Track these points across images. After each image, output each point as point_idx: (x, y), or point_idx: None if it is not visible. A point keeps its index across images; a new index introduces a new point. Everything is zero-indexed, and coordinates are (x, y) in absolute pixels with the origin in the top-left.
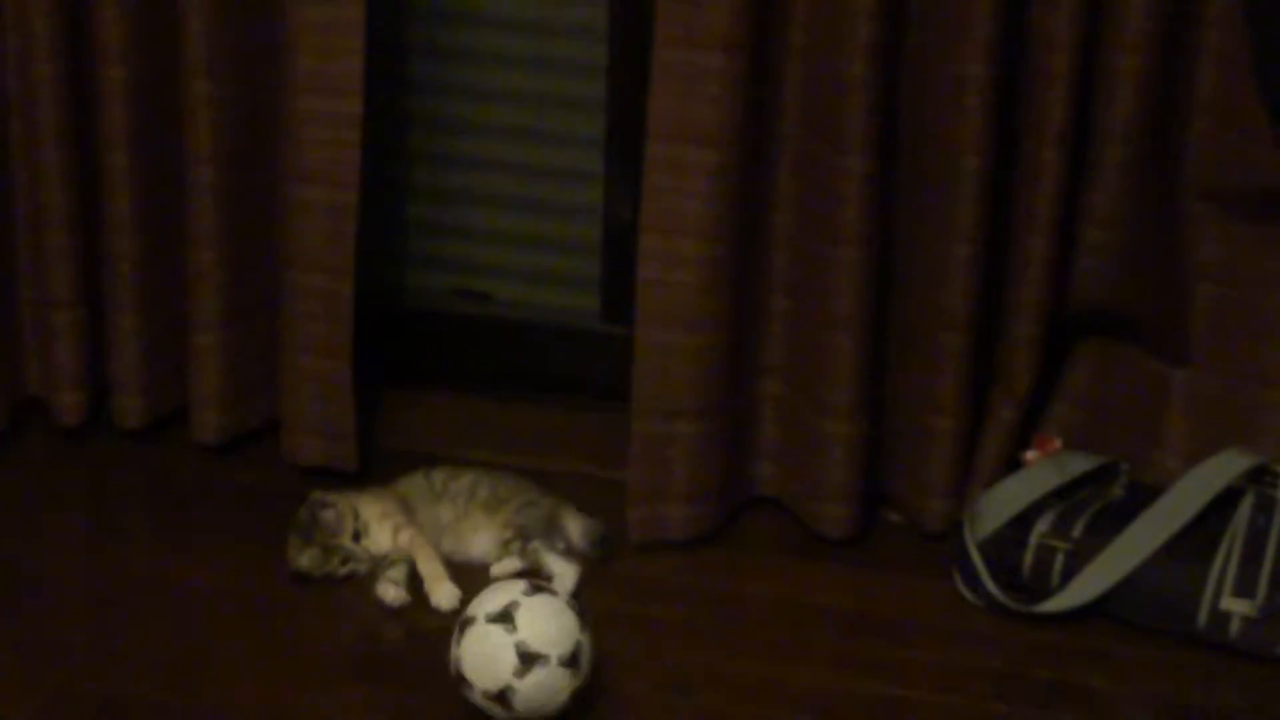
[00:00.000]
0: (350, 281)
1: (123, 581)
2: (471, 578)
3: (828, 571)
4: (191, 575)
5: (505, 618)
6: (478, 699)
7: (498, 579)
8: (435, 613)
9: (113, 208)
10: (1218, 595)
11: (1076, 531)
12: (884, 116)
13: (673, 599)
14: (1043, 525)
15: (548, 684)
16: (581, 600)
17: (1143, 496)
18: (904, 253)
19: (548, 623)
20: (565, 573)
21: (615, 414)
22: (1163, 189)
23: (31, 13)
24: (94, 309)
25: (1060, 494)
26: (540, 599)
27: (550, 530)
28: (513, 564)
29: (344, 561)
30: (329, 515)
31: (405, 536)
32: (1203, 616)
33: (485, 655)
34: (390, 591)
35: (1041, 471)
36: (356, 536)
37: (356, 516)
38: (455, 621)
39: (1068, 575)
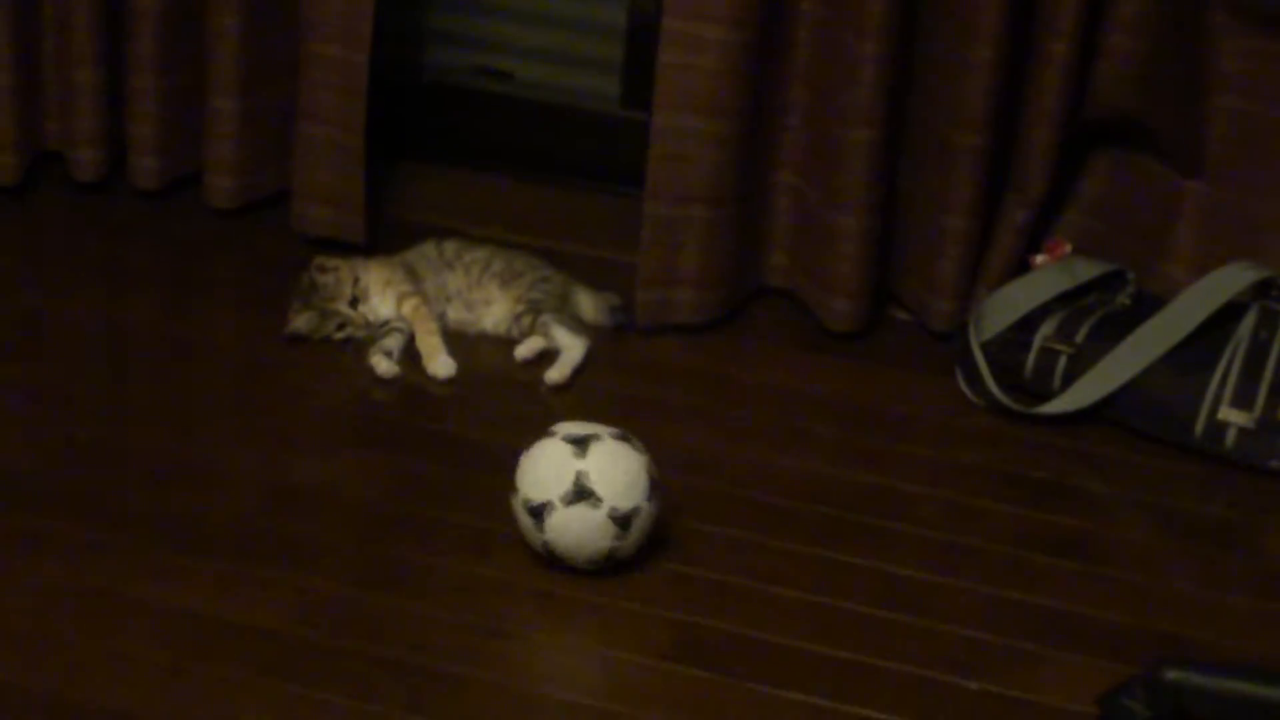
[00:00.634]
0: (367, 52)
1: (130, 336)
2: (468, 351)
3: (832, 364)
4: (196, 334)
5: (580, 443)
6: (517, 506)
7: (522, 359)
8: (432, 381)
9: None
10: (1216, 405)
11: (1080, 336)
12: None
13: (678, 382)
14: (1047, 328)
15: (590, 525)
16: (637, 444)
17: (1148, 305)
18: (925, 51)
19: (616, 469)
20: (573, 346)
21: (630, 199)
22: None
23: None
24: (114, 69)
25: (1066, 299)
26: (622, 448)
27: (562, 306)
28: (537, 343)
29: (340, 327)
30: (327, 279)
31: (409, 306)
32: (1200, 426)
33: (545, 467)
34: (382, 364)
35: (1049, 275)
36: (354, 302)
37: (356, 282)
38: (452, 386)
39: (1069, 379)
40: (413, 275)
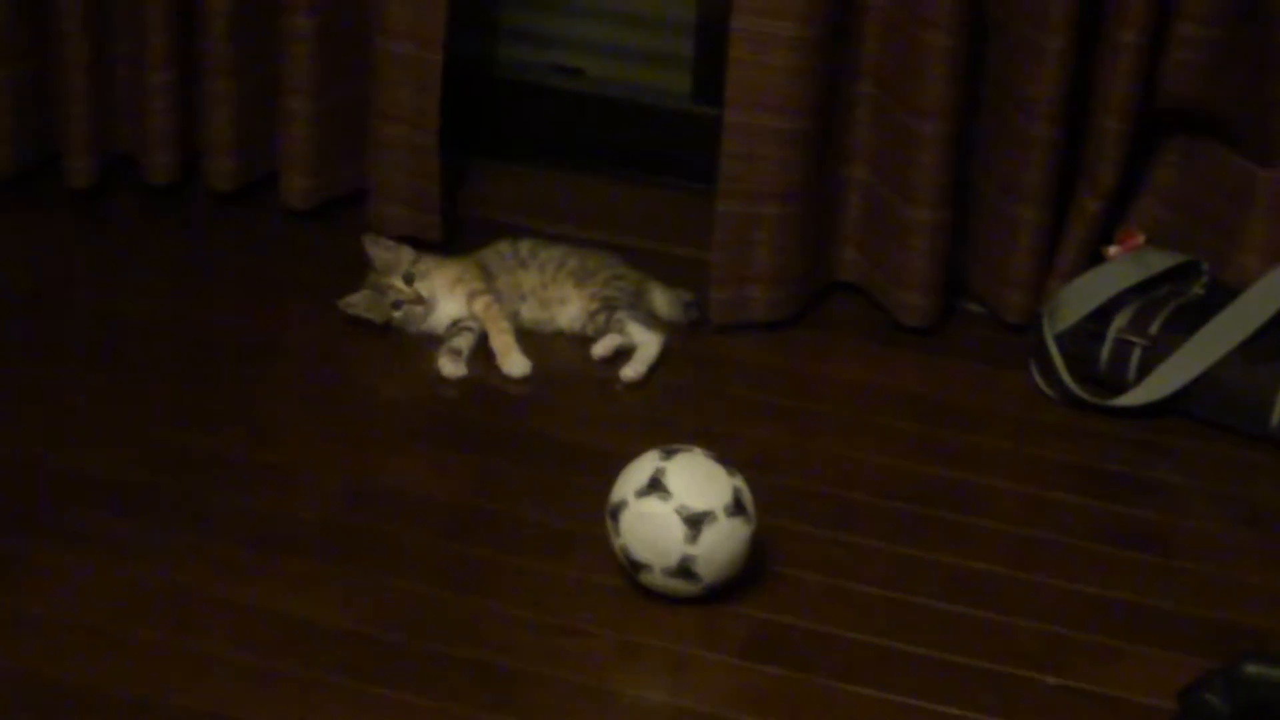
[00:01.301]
0: (441, 50)
1: (206, 338)
2: (542, 349)
3: (905, 359)
4: (273, 336)
5: (655, 487)
6: (659, 579)
7: (599, 357)
8: (507, 380)
9: None
10: None
11: (1154, 327)
12: None
13: (752, 378)
14: (1121, 320)
15: (724, 539)
16: (719, 456)
17: (1222, 295)
18: (994, 41)
19: (696, 477)
20: (649, 343)
21: (701, 195)
22: None
23: None
24: (188, 70)
25: (1140, 290)
26: (680, 458)
27: (636, 302)
28: (613, 340)
29: (395, 305)
30: (381, 254)
31: (480, 304)
32: (1275, 416)
33: (650, 532)
34: (448, 365)
35: (1122, 266)
36: (410, 279)
37: (415, 261)
38: (528, 385)
39: (1144, 370)
40: (485, 274)
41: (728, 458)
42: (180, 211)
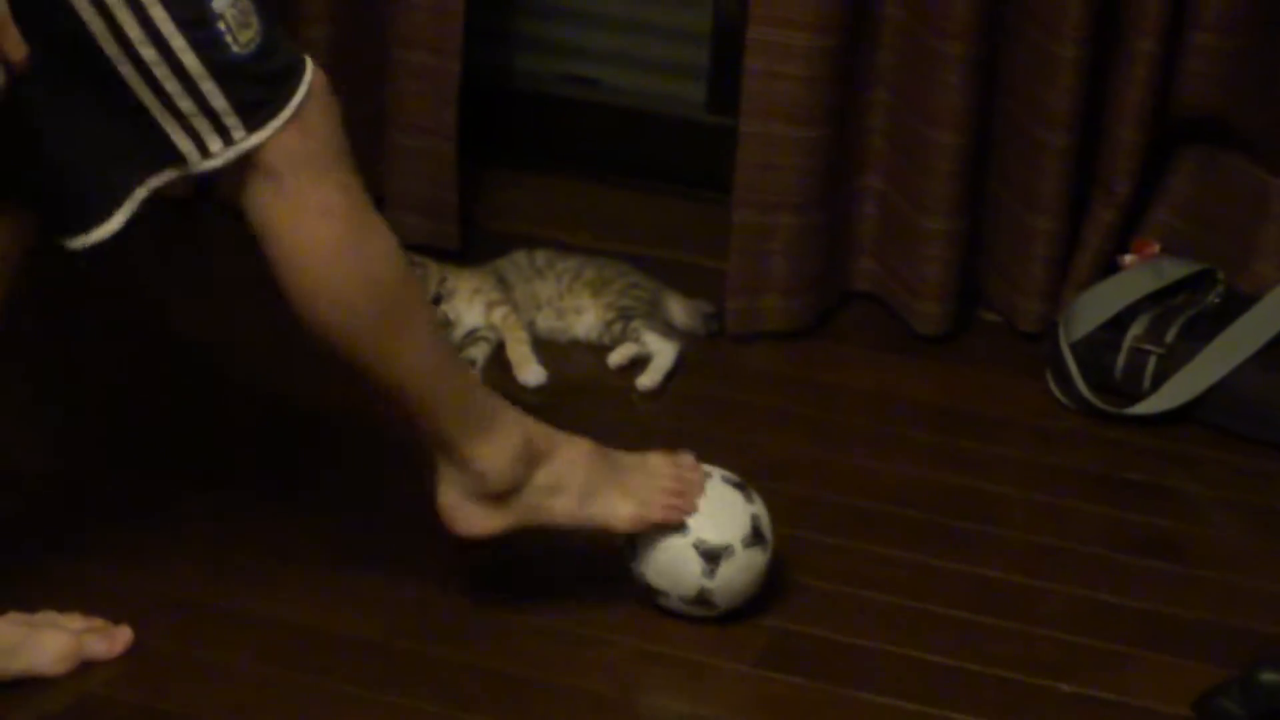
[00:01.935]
0: (458, 61)
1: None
2: (559, 359)
3: (921, 367)
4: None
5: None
6: (675, 604)
7: (615, 366)
8: (523, 390)
9: None
10: None
11: (1170, 336)
12: None
13: (767, 387)
14: (1137, 328)
15: (741, 570)
16: (738, 478)
17: (1238, 304)
18: (1010, 50)
19: (713, 507)
20: (664, 352)
21: (716, 204)
22: None
23: None
24: None
25: (1156, 298)
26: (728, 490)
27: (653, 312)
28: (629, 349)
29: None
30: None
31: (499, 314)
32: None
33: (667, 563)
34: None
35: (1138, 275)
36: (438, 300)
37: (443, 281)
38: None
39: (1159, 379)
40: (502, 284)
41: (745, 481)
42: (199, 222)
